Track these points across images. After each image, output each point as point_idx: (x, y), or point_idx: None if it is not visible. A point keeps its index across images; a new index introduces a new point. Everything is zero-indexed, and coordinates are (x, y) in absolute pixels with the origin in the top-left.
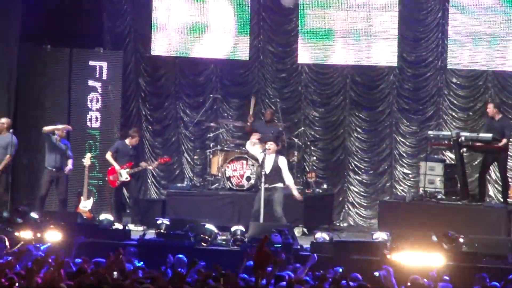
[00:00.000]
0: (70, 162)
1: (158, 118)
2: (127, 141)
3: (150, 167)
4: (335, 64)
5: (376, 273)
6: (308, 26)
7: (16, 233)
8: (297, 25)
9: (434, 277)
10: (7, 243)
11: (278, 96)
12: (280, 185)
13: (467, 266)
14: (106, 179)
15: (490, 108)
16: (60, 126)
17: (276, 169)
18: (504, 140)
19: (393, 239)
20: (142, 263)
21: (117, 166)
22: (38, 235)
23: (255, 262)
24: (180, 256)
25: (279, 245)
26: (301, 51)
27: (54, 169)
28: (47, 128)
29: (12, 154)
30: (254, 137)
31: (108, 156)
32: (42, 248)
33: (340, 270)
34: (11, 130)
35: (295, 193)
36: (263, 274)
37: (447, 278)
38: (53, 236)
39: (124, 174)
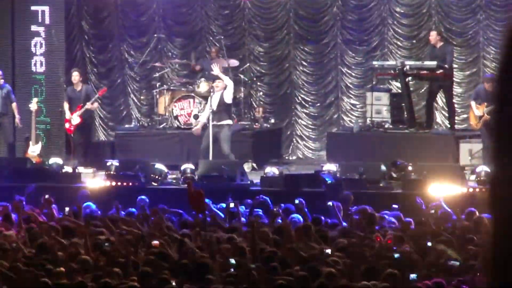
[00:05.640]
0: (14, 106)
1: (103, 61)
2: (74, 86)
3: (92, 105)
4: None
5: (330, 203)
6: None
7: None
8: None
9: None
10: None
11: (221, 33)
12: (228, 122)
13: (416, 193)
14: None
15: (433, 36)
16: None
17: (223, 105)
18: (446, 67)
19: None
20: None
21: (68, 115)
22: None
23: (194, 203)
24: (143, 197)
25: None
26: None
27: None
28: None
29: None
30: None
31: (64, 105)
32: None
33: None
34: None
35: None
36: (204, 207)
37: (395, 206)
38: None
39: (76, 118)
